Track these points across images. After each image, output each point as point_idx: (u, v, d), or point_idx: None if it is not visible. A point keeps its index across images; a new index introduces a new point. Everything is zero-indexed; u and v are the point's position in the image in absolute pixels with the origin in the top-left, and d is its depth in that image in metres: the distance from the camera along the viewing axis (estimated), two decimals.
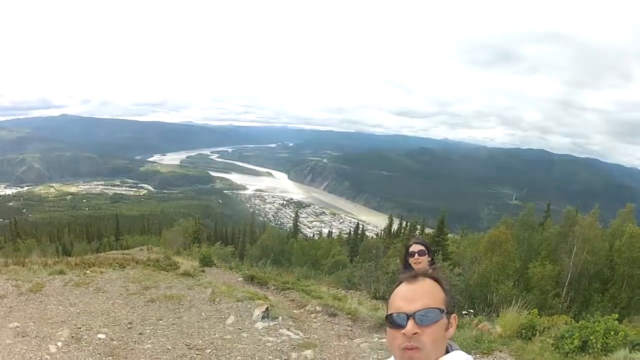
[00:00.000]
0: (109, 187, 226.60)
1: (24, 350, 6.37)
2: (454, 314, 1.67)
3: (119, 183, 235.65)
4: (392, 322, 1.60)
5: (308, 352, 7.23)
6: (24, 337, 6.89)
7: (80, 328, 7.58)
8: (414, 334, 1.54)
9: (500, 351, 7.43)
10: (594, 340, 7.03)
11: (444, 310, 1.60)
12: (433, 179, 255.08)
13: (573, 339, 7.19)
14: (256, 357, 6.98)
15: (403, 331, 1.55)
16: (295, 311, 10.30)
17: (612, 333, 7.11)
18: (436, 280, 1.68)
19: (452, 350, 1.64)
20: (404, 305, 1.59)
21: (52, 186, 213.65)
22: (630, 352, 6.71)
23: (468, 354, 1.65)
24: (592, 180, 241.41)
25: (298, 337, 8.04)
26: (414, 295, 1.61)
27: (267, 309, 8.96)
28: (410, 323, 1.55)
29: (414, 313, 1.56)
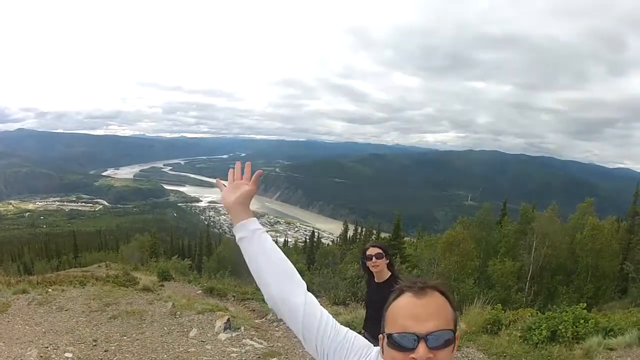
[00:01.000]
0: (65, 203, 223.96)
1: None
2: (457, 332, 1.37)
3: (74, 199, 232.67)
4: (396, 343, 1.29)
5: None
6: None
7: (47, 347, 7.53)
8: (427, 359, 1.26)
9: (467, 347, 7.47)
10: (563, 330, 7.06)
11: (455, 331, 1.33)
12: (386, 184, 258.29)
13: (541, 330, 7.21)
14: None
15: (413, 355, 1.25)
16: (256, 321, 10.33)
17: (582, 321, 7.17)
18: (444, 294, 1.37)
19: None
20: (413, 325, 1.28)
21: (11, 203, 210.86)
22: (604, 339, 6.74)
23: None
24: (548, 178, 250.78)
25: (262, 346, 7.97)
26: (425, 313, 1.30)
27: (228, 320, 8.87)
28: (422, 346, 1.25)
29: (427, 335, 1.26)
